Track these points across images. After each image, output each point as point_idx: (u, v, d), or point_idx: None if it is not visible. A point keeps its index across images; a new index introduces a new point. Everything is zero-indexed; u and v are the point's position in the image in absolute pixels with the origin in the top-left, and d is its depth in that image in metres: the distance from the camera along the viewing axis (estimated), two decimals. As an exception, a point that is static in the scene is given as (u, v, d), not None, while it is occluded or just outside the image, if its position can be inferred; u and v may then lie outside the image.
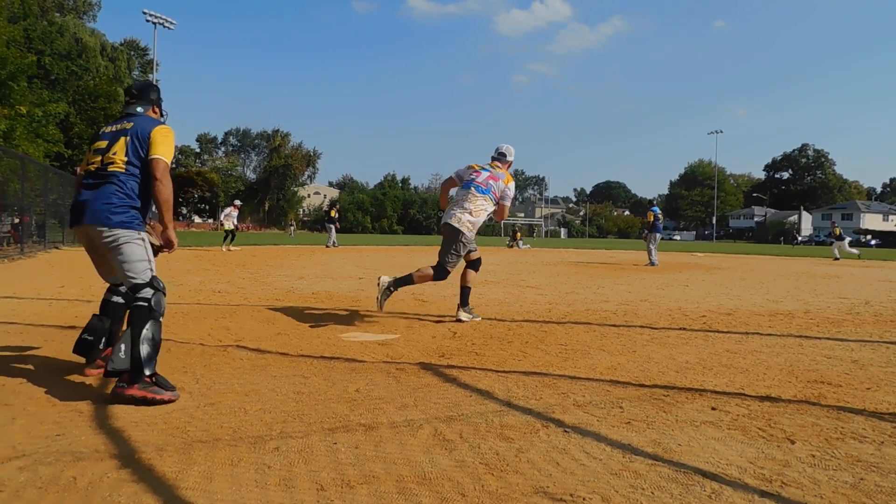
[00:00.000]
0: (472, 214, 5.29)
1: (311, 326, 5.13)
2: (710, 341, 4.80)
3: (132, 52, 57.94)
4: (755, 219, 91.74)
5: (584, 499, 1.91)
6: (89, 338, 3.32)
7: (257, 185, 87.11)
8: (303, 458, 2.20)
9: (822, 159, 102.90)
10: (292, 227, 56.20)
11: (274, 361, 3.81)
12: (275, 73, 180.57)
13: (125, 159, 3.15)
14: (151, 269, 3.14)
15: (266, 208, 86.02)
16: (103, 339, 3.38)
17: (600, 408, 2.91)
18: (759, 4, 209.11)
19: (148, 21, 51.06)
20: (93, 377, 3.32)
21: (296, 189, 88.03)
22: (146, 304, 3.03)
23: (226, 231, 19.28)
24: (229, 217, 19.39)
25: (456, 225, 5.25)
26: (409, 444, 2.36)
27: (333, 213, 24.53)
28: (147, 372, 2.92)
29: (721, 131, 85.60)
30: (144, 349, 2.94)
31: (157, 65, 54.27)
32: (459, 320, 5.44)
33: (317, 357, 3.95)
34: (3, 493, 1.87)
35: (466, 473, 2.09)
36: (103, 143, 3.23)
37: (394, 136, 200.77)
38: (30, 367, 3.52)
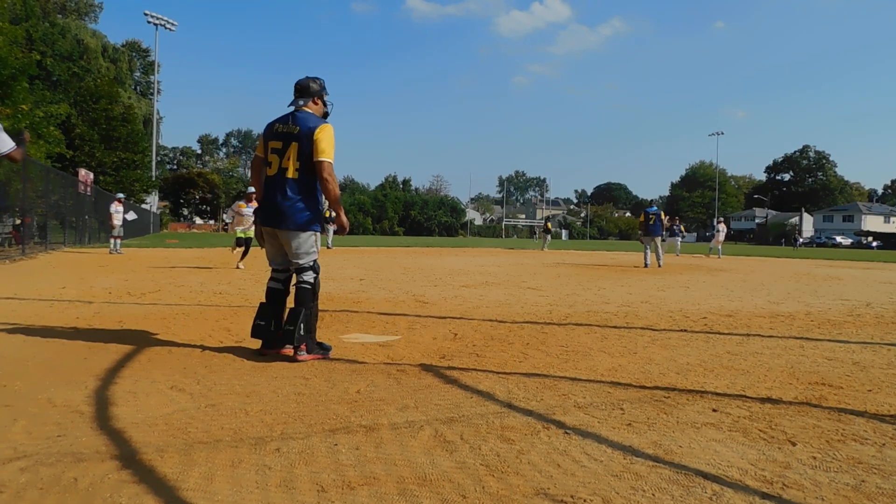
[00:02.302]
0: None
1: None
2: (711, 343, 4.79)
3: (134, 54, 58.00)
4: (756, 220, 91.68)
5: (584, 500, 1.91)
6: (262, 322, 3.98)
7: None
8: (304, 460, 2.20)
9: (824, 161, 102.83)
10: None
11: (275, 363, 3.81)
12: (275, 73, 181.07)
13: (297, 166, 3.80)
14: (315, 259, 3.98)
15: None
16: (273, 321, 3.99)
17: (601, 409, 2.91)
18: (759, 5, 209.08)
19: (149, 23, 51.23)
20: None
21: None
22: (309, 286, 3.90)
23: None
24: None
25: None
26: (409, 446, 2.36)
27: (328, 213, 24.30)
28: (315, 339, 3.94)
29: (722, 133, 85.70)
30: (312, 322, 3.89)
31: (158, 66, 54.43)
32: None
33: (317, 358, 3.95)
34: (5, 495, 1.88)
35: (467, 475, 2.09)
36: (279, 144, 3.84)
37: (394, 137, 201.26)
38: (30, 368, 3.52)
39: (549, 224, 30.91)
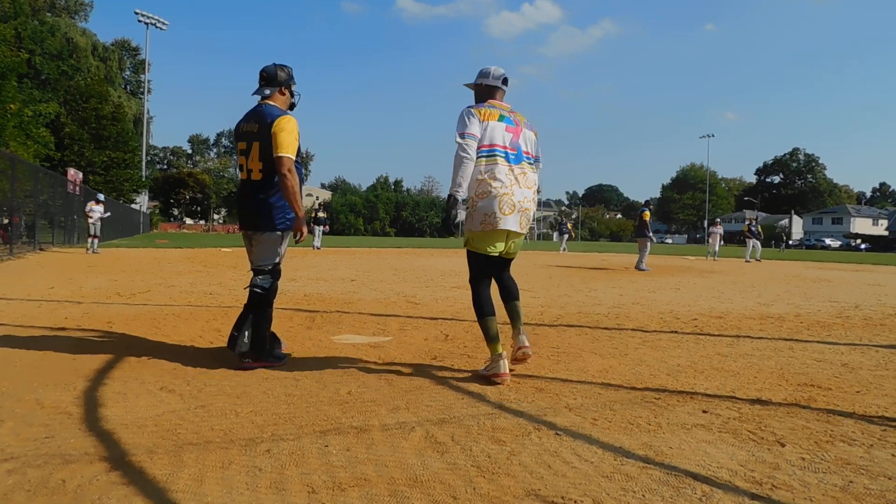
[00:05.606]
0: None
1: (302, 329, 5.12)
2: (701, 344, 4.82)
3: (124, 53, 57.60)
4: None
5: (575, 501, 1.91)
6: (236, 333, 3.71)
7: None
8: (294, 461, 2.19)
9: (813, 163, 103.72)
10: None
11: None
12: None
13: (260, 166, 3.64)
14: (277, 262, 3.77)
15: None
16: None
17: (592, 411, 2.92)
18: (748, 7, 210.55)
19: (140, 21, 50.95)
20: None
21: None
22: (262, 291, 3.69)
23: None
24: None
25: None
26: (400, 447, 2.36)
27: (314, 214, 23.87)
28: (266, 347, 3.70)
29: (713, 135, 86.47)
30: (262, 330, 3.67)
31: (148, 65, 54.10)
32: None
33: (308, 359, 3.94)
34: (-9, 497, 1.86)
35: (458, 476, 2.09)
36: (244, 145, 3.71)
37: (386, 138, 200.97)
38: (18, 369, 3.49)
39: (570, 224, 30.15)
